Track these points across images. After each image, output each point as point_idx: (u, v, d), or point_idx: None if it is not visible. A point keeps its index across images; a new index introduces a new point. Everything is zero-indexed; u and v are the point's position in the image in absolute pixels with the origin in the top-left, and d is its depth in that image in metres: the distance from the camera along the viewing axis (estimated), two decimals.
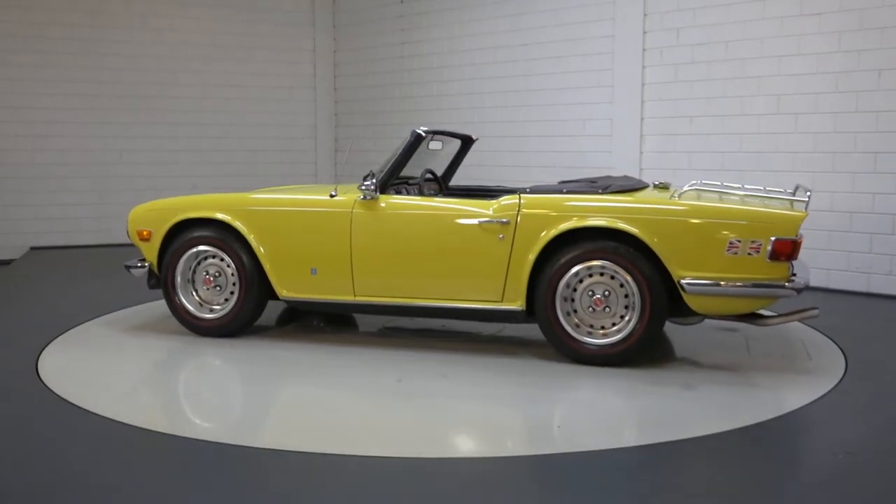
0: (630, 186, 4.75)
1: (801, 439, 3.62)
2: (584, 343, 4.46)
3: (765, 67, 6.93)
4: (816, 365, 4.55)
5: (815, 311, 4.33)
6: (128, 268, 5.40)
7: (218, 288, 5.14)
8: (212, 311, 5.18)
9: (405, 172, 5.15)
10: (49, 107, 9.24)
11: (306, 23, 10.53)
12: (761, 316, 4.38)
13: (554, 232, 4.42)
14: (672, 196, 4.51)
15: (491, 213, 4.57)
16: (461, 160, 5.98)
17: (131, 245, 5.47)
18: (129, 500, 2.90)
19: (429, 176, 5.51)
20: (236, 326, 5.13)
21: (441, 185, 5.63)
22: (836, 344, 4.97)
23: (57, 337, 5.14)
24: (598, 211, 4.40)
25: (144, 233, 5.23)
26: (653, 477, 3.13)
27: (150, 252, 5.25)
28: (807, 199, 4.35)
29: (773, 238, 4.12)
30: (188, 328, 5.21)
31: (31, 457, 3.29)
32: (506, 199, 4.59)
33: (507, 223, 4.51)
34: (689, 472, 3.16)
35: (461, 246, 4.63)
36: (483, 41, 8.98)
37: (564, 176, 8.05)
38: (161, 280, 5.22)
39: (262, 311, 5.20)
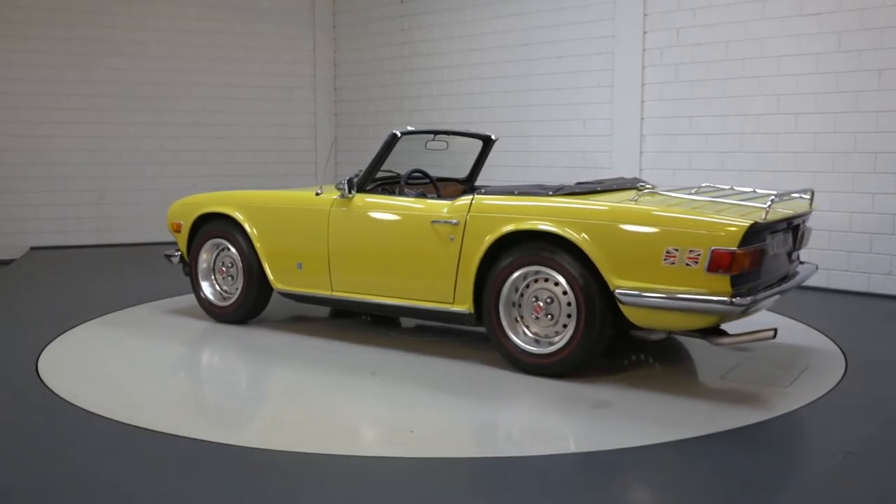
0: (590, 189, 4.51)
1: (801, 439, 3.62)
2: (522, 350, 4.29)
3: (765, 67, 6.93)
4: (816, 364, 4.55)
5: (770, 334, 4.00)
6: (167, 256, 5.89)
7: (231, 278, 5.51)
8: (225, 299, 5.53)
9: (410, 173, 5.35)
10: (49, 107, 9.25)
11: (306, 23, 10.53)
12: (724, 333, 4.06)
13: (497, 234, 4.30)
14: (631, 199, 4.18)
15: (445, 213, 4.55)
16: (484, 160, 5.99)
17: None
18: (129, 500, 2.90)
19: (418, 175, 5.50)
20: (241, 315, 5.44)
21: (436, 184, 5.61)
22: (836, 344, 4.97)
23: (57, 337, 5.13)
24: (539, 214, 4.21)
25: (176, 225, 5.75)
26: (652, 478, 3.13)
27: (182, 242, 5.74)
28: (767, 206, 3.91)
29: (711, 248, 3.74)
30: (207, 314, 5.59)
31: (31, 456, 3.29)
32: (460, 200, 4.55)
33: (458, 224, 4.46)
34: (688, 473, 3.16)
35: (417, 246, 4.63)
36: (483, 41, 8.98)
37: (564, 175, 8.06)
38: (189, 268, 5.67)
39: (267, 302, 5.45)
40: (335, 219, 4.97)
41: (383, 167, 5.19)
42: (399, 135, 4.88)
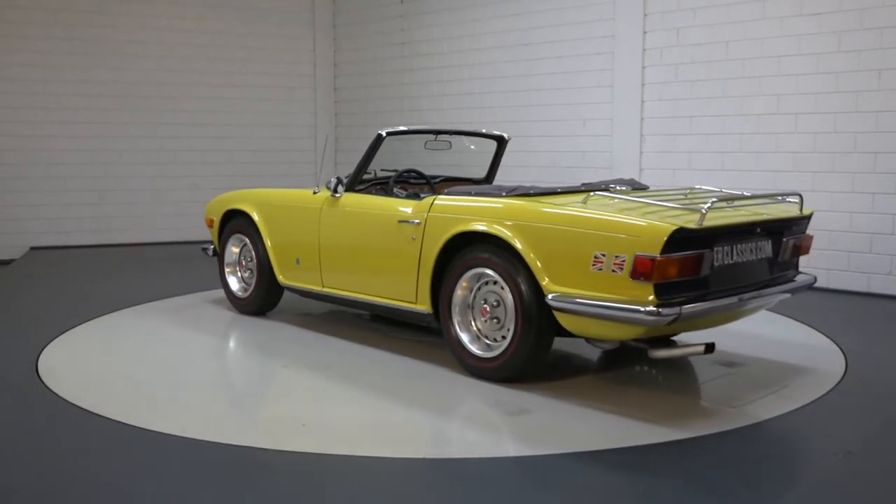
0: (546, 191, 4.37)
1: (801, 439, 3.61)
2: (469, 353, 4.23)
3: (765, 67, 6.93)
4: (816, 364, 4.55)
5: (701, 348, 3.80)
6: (203, 250, 6.24)
7: (249, 271, 5.78)
8: (246, 291, 5.81)
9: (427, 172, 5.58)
10: (49, 107, 9.25)
11: (306, 23, 10.54)
12: (671, 345, 3.93)
13: (448, 235, 4.26)
14: (581, 201, 3.99)
15: (409, 213, 4.55)
16: (500, 160, 6.02)
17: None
18: (129, 500, 2.90)
19: (412, 175, 5.53)
20: (257, 306, 5.71)
21: (432, 185, 5.62)
22: (836, 344, 4.97)
23: (57, 337, 5.13)
24: (485, 215, 4.14)
25: (209, 220, 6.08)
26: (652, 477, 3.12)
27: (214, 236, 6.08)
28: (705, 210, 3.62)
29: (634, 254, 3.54)
30: (232, 304, 5.91)
31: (31, 457, 3.29)
32: (424, 200, 4.54)
33: (419, 224, 4.46)
34: (688, 473, 3.15)
35: (386, 245, 4.68)
36: (483, 41, 8.98)
37: (564, 176, 8.07)
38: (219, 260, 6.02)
39: (279, 295, 5.69)
40: (325, 217, 5.11)
41: (387, 167, 5.31)
42: (384, 135, 4.92)
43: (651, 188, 4.95)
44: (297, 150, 10.60)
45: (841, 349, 4.85)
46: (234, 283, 5.87)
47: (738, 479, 3.06)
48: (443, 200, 4.43)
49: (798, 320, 5.58)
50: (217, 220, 5.97)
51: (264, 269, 5.53)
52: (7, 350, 4.87)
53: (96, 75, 9.45)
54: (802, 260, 4.56)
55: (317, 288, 5.22)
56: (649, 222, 3.59)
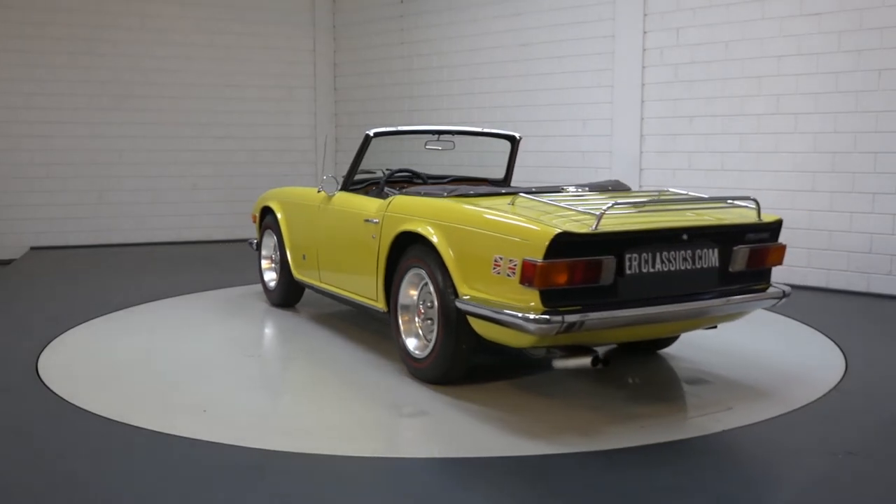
0: (488, 192, 4.31)
1: (802, 439, 3.61)
2: (408, 353, 4.21)
3: (765, 67, 6.93)
4: (816, 364, 4.55)
5: (587, 361, 3.60)
6: (249, 244, 6.53)
7: (276, 264, 6.08)
8: (274, 283, 6.09)
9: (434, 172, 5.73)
10: (49, 107, 9.25)
11: (306, 23, 10.54)
12: (566, 355, 3.67)
13: (395, 233, 4.26)
14: (508, 203, 3.90)
15: (372, 212, 4.59)
16: (514, 159, 6.04)
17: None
18: (128, 500, 2.90)
19: (404, 174, 5.57)
20: (281, 298, 5.99)
21: (428, 184, 5.63)
22: (836, 344, 4.97)
23: (57, 337, 5.13)
24: (423, 215, 4.11)
25: (253, 217, 6.40)
26: (648, 477, 3.12)
27: (257, 231, 6.36)
28: (600, 214, 3.45)
29: (523, 259, 3.41)
30: (266, 296, 6.21)
31: (31, 457, 3.29)
32: (386, 200, 4.55)
33: (378, 223, 4.48)
34: (687, 473, 3.16)
35: (354, 243, 4.77)
36: (483, 41, 8.98)
37: (563, 176, 8.06)
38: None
39: (302, 289, 5.87)
40: (321, 215, 5.27)
41: (393, 167, 5.43)
42: (372, 135, 5.00)
43: (634, 189, 4.89)
44: (297, 150, 10.60)
45: (841, 349, 4.85)
46: (268, 275, 6.16)
47: (739, 478, 3.07)
48: (399, 200, 4.44)
49: (798, 320, 5.58)
50: (258, 216, 6.26)
51: (285, 263, 5.76)
52: (7, 350, 4.87)
53: (96, 75, 9.45)
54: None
55: (316, 283, 5.37)
56: (538, 226, 3.45)
